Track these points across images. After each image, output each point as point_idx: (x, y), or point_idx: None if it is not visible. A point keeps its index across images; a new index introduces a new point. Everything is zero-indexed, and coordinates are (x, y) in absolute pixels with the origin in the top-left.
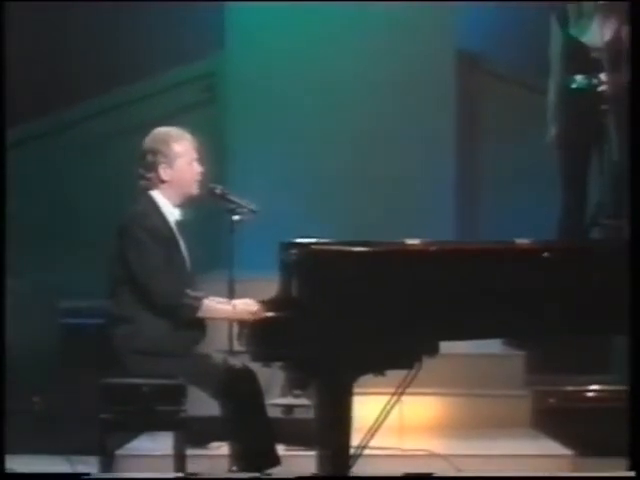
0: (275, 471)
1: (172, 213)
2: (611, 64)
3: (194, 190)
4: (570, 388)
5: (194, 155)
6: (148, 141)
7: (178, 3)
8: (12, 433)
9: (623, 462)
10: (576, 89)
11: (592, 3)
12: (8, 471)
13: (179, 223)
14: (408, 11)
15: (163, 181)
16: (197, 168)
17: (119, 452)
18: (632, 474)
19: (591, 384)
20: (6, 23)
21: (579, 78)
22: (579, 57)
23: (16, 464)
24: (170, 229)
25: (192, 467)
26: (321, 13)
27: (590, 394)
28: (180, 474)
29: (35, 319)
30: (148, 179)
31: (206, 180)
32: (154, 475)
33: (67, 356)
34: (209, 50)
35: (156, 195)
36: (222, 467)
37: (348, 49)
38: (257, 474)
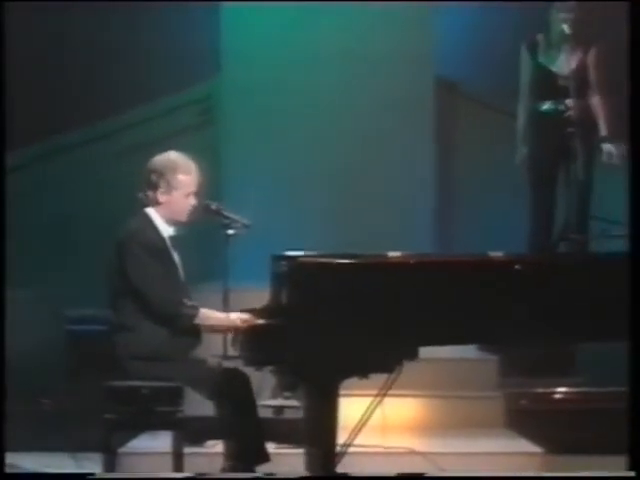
0: (275, 470)
1: (166, 229)
2: (577, 91)
3: (183, 218)
4: (540, 390)
5: (193, 189)
6: (157, 162)
7: (176, 29)
8: (21, 432)
9: (590, 459)
10: (544, 113)
11: (560, 34)
12: (9, 470)
13: (172, 238)
14: (390, 38)
15: (158, 202)
16: (191, 201)
17: (121, 450)
18: (632, 474)
19: (559, 386)
20: (6, 49)
21: (547, 103)
22: (547, 84)
23: (24, 461)
24: (164, 243)
25: (189, 463)
26: (312, 40)
27: (558, 396)
28: (189, 474)
29: (42, 326)
30: (147, 196)
31: (203, 197)
32: (158, 475)
33: (72, 360)
34: (206, 74)
35: (151, 212)
36: (217, 463)
37: (335, 75)
38: (260, 474)
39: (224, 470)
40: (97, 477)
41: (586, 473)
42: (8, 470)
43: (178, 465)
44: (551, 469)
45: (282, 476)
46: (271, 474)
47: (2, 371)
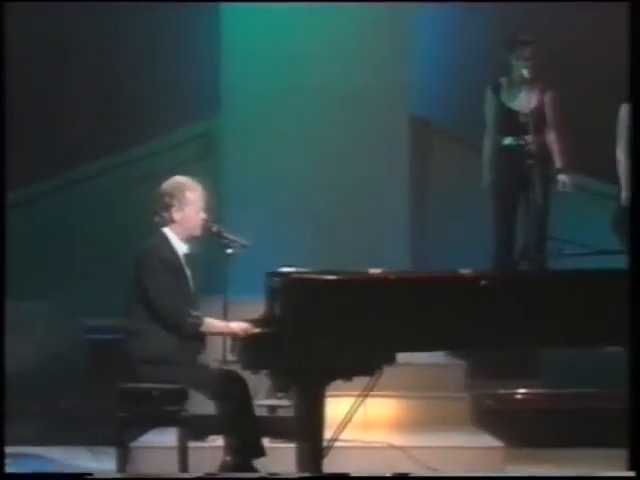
0: (268, 463)
1: (180, 247)
2: (535, 126)
3: (197, 232)
4: (503, 391)
5: (201, 204)
6: (167, 186)
7: (180, 72)
8: (44, 429)
9: (546, 452)
10: (506, 146)
11: (520, 77)
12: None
13: (186, 255)
14: (368, 80)
15: (174, 221)
16: (201, 215)
17: (133, 444)
18: (632, 474)
19: (519, 388)
20: (15, 83)
21: (509, 138)
22: (509, 121)
23: (47, 454)
24: (178, 259)
25: (193, 457)
26: (304, 86)
27: (519, 396)
28: (199, 474)
29: (64, 334)
30: (162, 217)
31: (207, 221)
32: (165, 475)
33: (90, 365)
34: (206, 112)
35: (167, 231)
36: (218, 457)
37: (323, 114)
38: (264, 474)
39: (225, 462)
40: (97, 477)
41: (550, 466)
42: (18, 469)
43: (183, 458)
44: (511, 462)
45: (284, 476)
46: (275, 474)
47: (2, 371)
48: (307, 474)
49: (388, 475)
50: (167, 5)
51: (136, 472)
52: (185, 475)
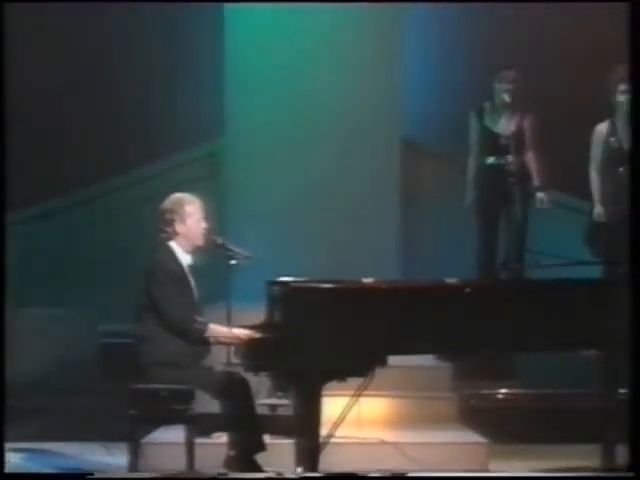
0: (275, 464)
1: (185, 258)
2: (515, 148)
3: (200, 241)
4: (486, 392)
5: (201, 214)
6: (167, 203)
7: (185, 97)
8: (61, 426)
9: (526, 447)
10: (489, 166)
11: (502, 102)
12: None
13: (190, 266)
14: (363, 104)
15: (177, 233)
16: (202, 224)
17: (143, 440)
18: (632, 474)
19: (501, 388)
20: (26, 102)
21: (491, 158)
22: (491, 142)
23: (64, 450)
24: (183, 271)
25: (199, 452)
26: (301, 110)
27: (500, 396)
28: (211, 474)
29: (81, 339)
30: (166, 232)
31: (210, 233)
32: (163, 474)
33: (104, 367)
34: (211, 134)
35: (172, 245)
36: (222, 452)
37: (322, 136)
38: (272, 474)
39: (229, 457)
40: (96, 477)
41: (529, 460)
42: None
43: (190, 454)
44: (494, 457)
45: (290, 476)
46: (280, 474)
47: (2, 371)
48: (310, 474)
49: (388, 475)
50: (172, 32)
51: (146, 466)
52: (189, 475)
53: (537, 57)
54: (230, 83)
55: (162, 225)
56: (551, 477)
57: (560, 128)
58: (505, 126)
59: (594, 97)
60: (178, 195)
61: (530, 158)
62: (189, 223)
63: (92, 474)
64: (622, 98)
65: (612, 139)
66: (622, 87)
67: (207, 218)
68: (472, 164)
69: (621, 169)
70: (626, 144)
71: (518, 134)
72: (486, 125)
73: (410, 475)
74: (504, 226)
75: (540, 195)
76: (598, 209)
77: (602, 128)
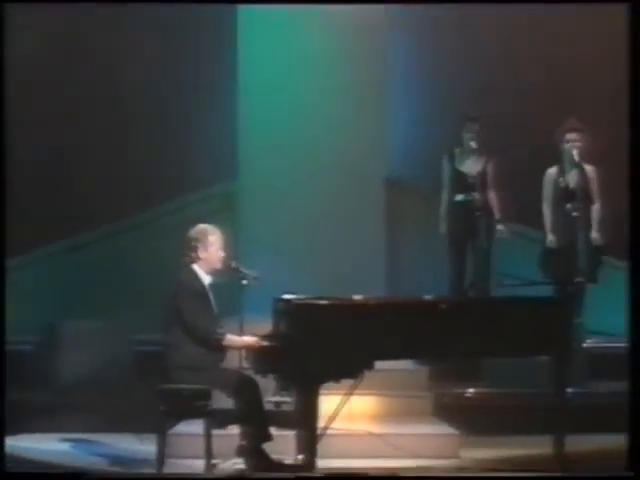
0: (278, 452)
1: (206, 278)
2: (480, 186)
3: (218, 266)
4: (457, 391)
5: (220, 244)
6: (192, 232)
7: (202, 141)
8: (98, 420)
9: (492, 439)
10: (458, 202)
11: (469, 147)
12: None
13: (210, 284)
14: (353, 151)
15: (200, 258)
16: (221, 252)
17: (169, 432)
18: (631, 474)
19: (470, 388)
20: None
21: (460, 195)
22: (460, 181)
23: (104, 439)
24: (204, 289)
25: (216, 442)
26: (303, 154)
27: (469, 395)
28: (228, 473)
29: (117, 346)
30: (190, 256)
31: (227, 259)
32: (167, 474)
33: (137, 370)
34: (228, 175)
35: (195, 267)
36: (235, 442)
37: (321, 177)
38: (290, 475)
39: (241, 446)
40: (97, 477)
41: (492, 448)
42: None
43: (208, 443)
44: (463, 446)
45: (305, 475)
46: (299, 474)
47: (2, 371)
48: (311, 474)
49: (385, 475)
50: (189, 85)
51: (171, 454)
52: (194, 475)
53: (503, 106)
54: (243, 133)
55: (187, 250)
56: (551, 477)
57: (518, 170)
58: (472, 168)
59: (545, 145)
60: (202, 226)
61: (493, 195)
62: (210, 250)
63: (92, 473)
64: (568, 146)
65: (560, 180)
66: (568, 137)
67: (225, 247)
68: (444, 199)
69: (568, 205)
70: (572, 184)
71: (483, 175)
72: (456, 167)
73: (407, 475)
74: (471, 252)
75: (501, 227)
76: (550, 237)
77: (552, 171)
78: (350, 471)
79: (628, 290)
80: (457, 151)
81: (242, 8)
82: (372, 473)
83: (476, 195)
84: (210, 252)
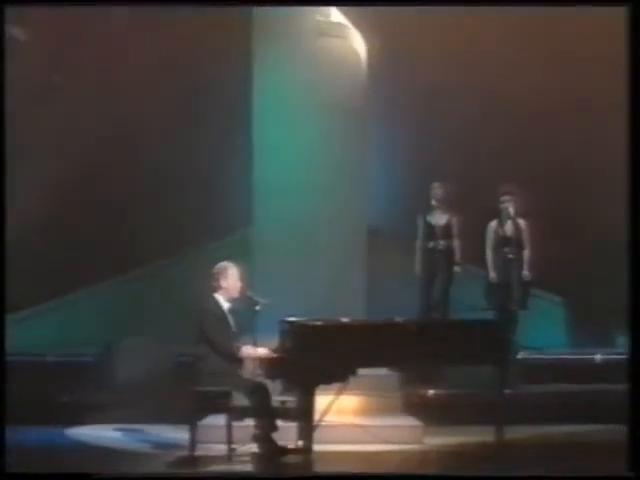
0: (281, 439)
1: (225, 305)
2: (445, 236)
3: (236, 294)
4: (422, 391)
5: (238, 276)
6: (216, 267)
7: (218, 195)
8: (146, 413)
9: (451, 428)
10: (428, 248)
11: (436, 206)
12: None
13: (229, 309)
14: (341, 204)
15: (221, 288)
16: (238, 284)
17: (199, 423)
18: (632, 474)
19: (431, 389)
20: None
21: (430, 242)
22: (430, 231)
23: (148, 429)
24: (224, 313)
25: (235, 431)
26: (305, 211)
27: (431, 395)
28: (243, 470)
29: (160, 358)
30: (213, 286)
31: (243, 288)
32: (170, 474)
33: (176, 376)
34: (243, 224)
35: (217, 295)
36: (250, 431)
37: (319, 225)
38: (293, 474)
39: (254, 434)
40: (96, 477)
41: (447, 437)
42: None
43: (229, 432)
44: (426, 434)
45: (304, 475)
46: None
47: (3, 370)
48: (311, 474)
49: (385, 474)
50: (204, 148)
51: (200, 440)
52: (189, 474)
53: (463, 170)
54: (258, 187)
55: (211, 282)
56: (551, 477)
57: (471, 223)
58: (438, 221)
59: (489, 203)
60: (224, 263)
61: (454, 243)
62: (230, 281)
63: (92, 474)
64: (503, 205)
65: (499, 230)
66: (503, 198)
67: (242, 279)
68: (418, 246)
69: (505, 249)
70: (508, 233)
71: (447, 227)
72: (427, 220)
73: (409, 474)
74: (437, 285)
75: (458, 267)
76: (491, 274)
77: (493, 224)
78: (350, 472)
79: (629, 292)
80: (428, 207)
81: (258, 76)
82: (370, 474)
83: (441, 242)
84: (229, 283)
